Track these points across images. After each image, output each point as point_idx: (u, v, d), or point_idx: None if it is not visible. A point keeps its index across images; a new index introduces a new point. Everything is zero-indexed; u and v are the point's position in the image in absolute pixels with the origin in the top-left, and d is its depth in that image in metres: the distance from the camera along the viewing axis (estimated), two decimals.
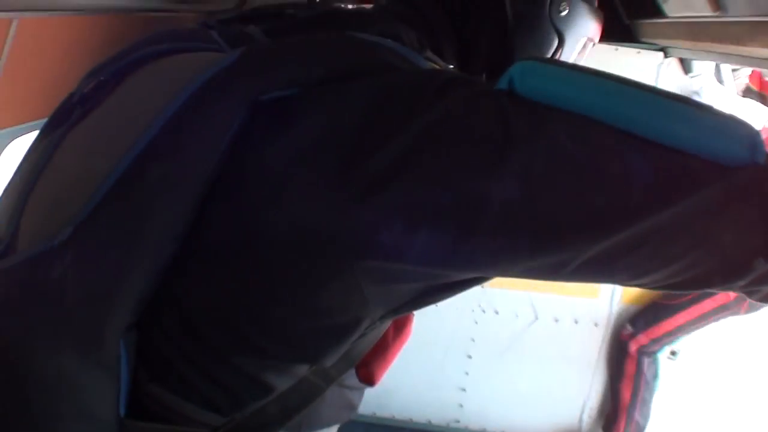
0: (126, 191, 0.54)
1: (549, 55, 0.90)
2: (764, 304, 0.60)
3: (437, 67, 0.73)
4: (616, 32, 2.03)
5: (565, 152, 0.53)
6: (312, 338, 0.59)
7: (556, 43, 0.90)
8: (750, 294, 0.59)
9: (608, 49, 2.12)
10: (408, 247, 0.53)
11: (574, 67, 0.59)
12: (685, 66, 2.19)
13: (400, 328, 0.77)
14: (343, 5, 0.80)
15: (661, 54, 2.15)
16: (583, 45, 0.94)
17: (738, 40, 1.25)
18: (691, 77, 2.19)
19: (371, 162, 0.52)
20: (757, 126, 0.55)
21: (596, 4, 0.95)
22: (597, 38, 0.97)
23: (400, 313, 0.62)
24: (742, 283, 0.56)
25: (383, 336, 0.74)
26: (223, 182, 0.54)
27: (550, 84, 0.56)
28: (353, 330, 0.60)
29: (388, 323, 0.71)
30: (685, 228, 0.54)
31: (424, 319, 1.35)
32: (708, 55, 1.57)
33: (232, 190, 0.55)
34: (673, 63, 2.18)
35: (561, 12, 0.87)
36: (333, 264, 0.54)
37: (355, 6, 0.75)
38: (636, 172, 0.53)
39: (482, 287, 1.95)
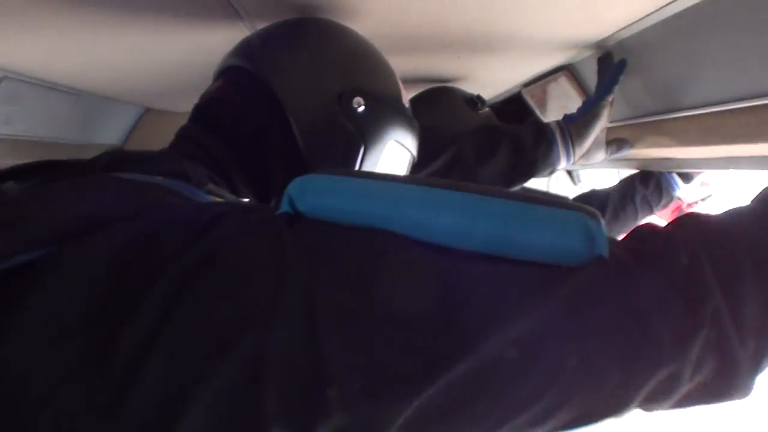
0: None
1: (357, 163, 0.80)
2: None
3: (219, 200, 0.65)
4: None
5: (349, 287, 0.43)
6: None
7: (360, 147, 0.79)
8: (651, 405, 0.49)
9: None
10: None
11: (365, 175, 0.50)
12: (573, 177, 2.28)
13: None
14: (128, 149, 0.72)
15: None
16: (395, 150, 0.84)
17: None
18: (579, 187, 2.28)
19: (122, 344, 0.40)
20: (595, 209, 0.48)
21: (409, 113, 0.88)
22: (411, 146, 0.87)
23: None
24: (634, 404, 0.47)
25: None
26: None
27: (330, 198, 0.48)
28: None
29: None
30: (529, 360, 0.43)
31: None
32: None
33: None
34: (562, 175, 2.26)
35: (356, 107, 0.78)
36: None
37: (141, 150, 0.70)
38: (433, 299, 0.43)
39: None
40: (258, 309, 0.41)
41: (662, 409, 0.50)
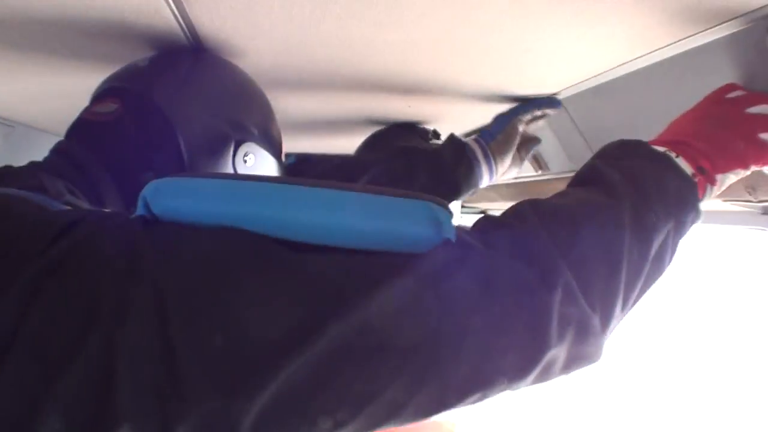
0: None
1: None
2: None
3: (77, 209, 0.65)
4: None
5: (198, 286, 0.44)
6: None
7: None
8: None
9: None
10: None
11: (221, 176, 0.51)
12: None
13: None
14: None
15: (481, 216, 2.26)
16: None
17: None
18: None
19: None
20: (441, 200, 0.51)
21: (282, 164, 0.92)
22: None
23: None
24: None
25: None
26: None
27: (184, 199, 0.48)
28: None
29: None
30: (382, 343, 0.45)
31: None
32: None
33: None
34: None
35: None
36: None
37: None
38: (280, 295, 0.44)
39: None
40: (109, 308, 0.42)
41: (532, 379, 0.53)
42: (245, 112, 0.84)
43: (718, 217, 1.11)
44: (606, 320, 0.55)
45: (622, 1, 0.67)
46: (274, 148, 0.88)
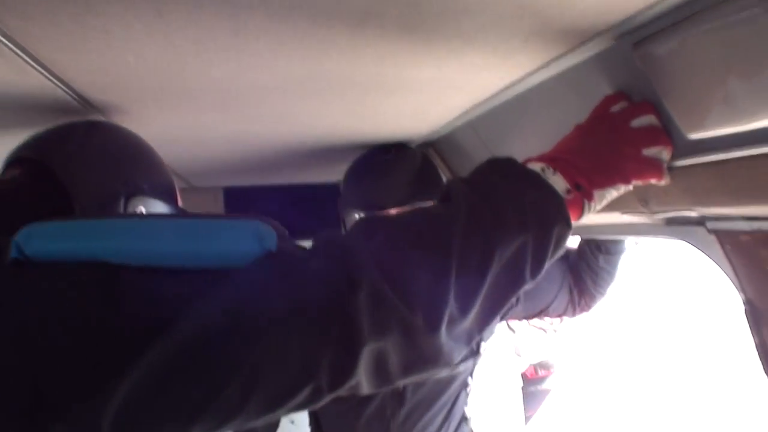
0: None
1: None
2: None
3: None
4: None
5: (45, 313, 0.50)
6: None
7: None
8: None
9: None
10: None
11: (86, 216, 0.60)
12: None
13: None
14: None
15: None
16: None
17: None
18: None
19: None
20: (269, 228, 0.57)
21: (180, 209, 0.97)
22: None
23: None
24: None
25: None
26: None
27: (54, 241, 0.54)
28: None
29: None
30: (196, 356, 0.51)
31: None
32: None
33: None
34: None
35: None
36: None
37: None
38: (123, 315, 0.50)
39: None
40: None
41: (367, 377, 0.57)
42: (133, 169, 0.89)
43: (626, 228, 1.12)
44: (433, 321, 0.58)
45: (473, 36, 0.68)
46: (166, 195, 0.92)
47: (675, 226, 0.93)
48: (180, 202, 0.96)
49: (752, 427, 4.11)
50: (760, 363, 0.87)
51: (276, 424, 1.69)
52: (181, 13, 0.59)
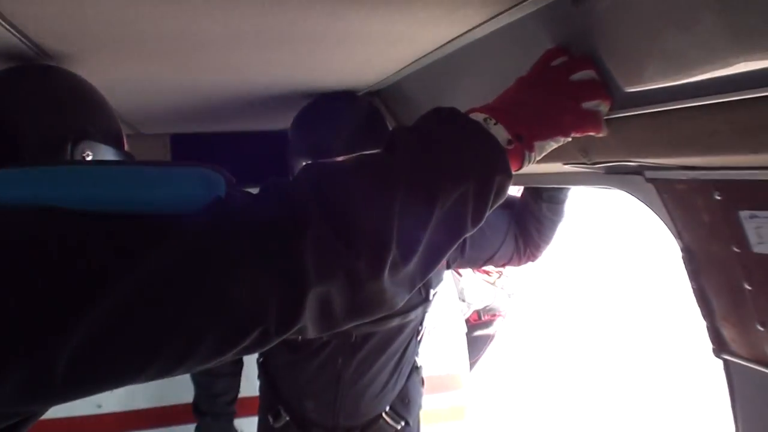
0: None
1: None
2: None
3: None
4: None
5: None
6: None
7: None
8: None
9: None
10: None
11: (24, 165, 0.59)
12: None
13: None
14: None
15: None
16: None
17: None
18: None
19: None
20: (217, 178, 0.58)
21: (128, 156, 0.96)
22: None
23: None
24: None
25: None
26: None
27: (11, 187, 0.55)
28: None
29: None
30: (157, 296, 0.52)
31: None
32: None
33: None
34: None
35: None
36: None
37: None
38: (80, 251, 0.51)
39: None
40: None
41: (313, 322, 0.58)
42: (80, 113, 0.87)
43: (567, 178, 1.15)
44: (376, 265, 0.59)
45: None
46: (113, 140, 0.91)
47: (614, 175, 0.96)
48: (127, 148, 0.94)
49: (690, 372, 4.30)
50: (697, 307, 0.93)
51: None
52: None
